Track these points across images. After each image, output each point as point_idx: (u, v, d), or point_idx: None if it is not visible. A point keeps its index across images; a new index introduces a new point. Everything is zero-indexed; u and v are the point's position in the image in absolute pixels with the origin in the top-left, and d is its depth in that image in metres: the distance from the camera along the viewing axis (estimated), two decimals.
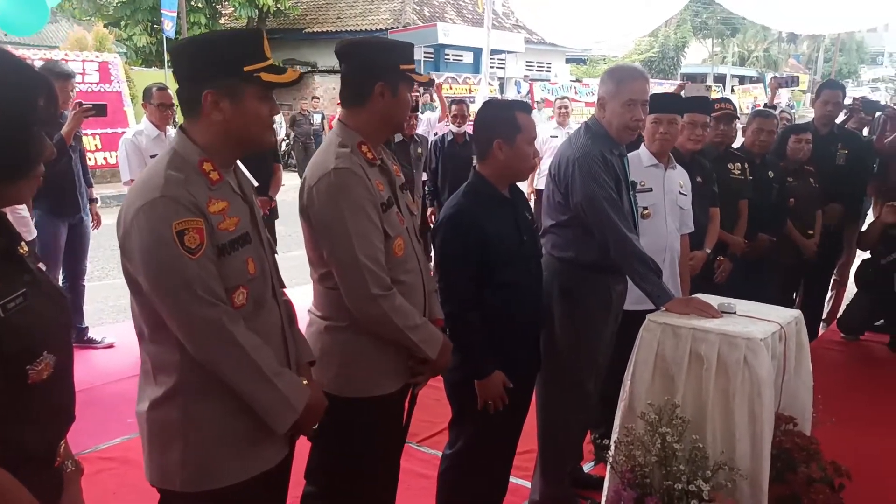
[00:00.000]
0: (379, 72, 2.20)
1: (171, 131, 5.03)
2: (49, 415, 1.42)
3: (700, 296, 2.90)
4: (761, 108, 6.79)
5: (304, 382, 1.92)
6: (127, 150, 4.94)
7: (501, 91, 21.69)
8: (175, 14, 14.94)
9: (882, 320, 5.64)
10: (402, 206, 2.34)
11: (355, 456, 2.30)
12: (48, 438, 1.45)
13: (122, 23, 19.60)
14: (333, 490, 2.37)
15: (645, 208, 3.30)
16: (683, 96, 4.46)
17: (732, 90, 29.35)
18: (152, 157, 4.93)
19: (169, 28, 14.83)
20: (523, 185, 3.45)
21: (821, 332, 5.69)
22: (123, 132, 5.63)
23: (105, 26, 17.15)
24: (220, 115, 1.75)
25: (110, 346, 5.15)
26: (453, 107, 6.93)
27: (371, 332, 2.20)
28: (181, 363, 1.73)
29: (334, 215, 2.11)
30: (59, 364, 1.39)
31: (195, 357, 1.71)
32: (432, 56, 22.08)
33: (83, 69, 12.46)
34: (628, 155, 3.13)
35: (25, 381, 1.33)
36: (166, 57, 15.75)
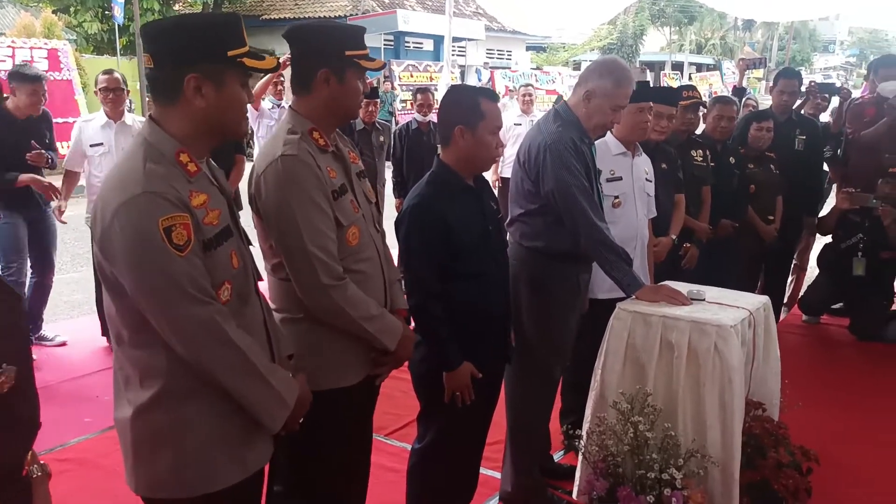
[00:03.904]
0: (323, 57, 2.12)
1: (129, 118, 4.85)
2: (13, 427, 1.35)
3: (669, 283, 2.89)
4: (720, 94, 6.82)
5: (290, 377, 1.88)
6: (73, 137, 4.82)
7: (462, 79, 21.62)
8: (123, 0, 14.48)
9: (841, 303, 5.75)
10: (359, 193, 2.26)
11: (321, 451, 2.24)
12: (15, 451, 1.38)
13: (72, 9, 19.03)
14: (301, 487, 2.31)
15: (616, 197, 3.26)
16: None
17: (690, 77, 29.69)
18: (93, 145, 4.74)
19: (118, 14, 14.36)
20: (488, 174, 3.40)
21: (782, 316, 5.77)
22: (74, 122, 5.42)
23: (54, 12, 16.63)
24: (203, 101, 1.67)
25: (62, 344, 5.00)
26: (418, 95, 6.83)
27: (327, 323, 2.15)
28: (168, 366, 1.64)
29: (282, 204, 2.04)
30: (20, 375, 1.31)
31: (186, 358, 1.63)
32: (392, 43, 21.92)
33: (31, 57, 12.04)
34: (595, 143, 3.10)
35: None
36: (118, 45, 15.35)
